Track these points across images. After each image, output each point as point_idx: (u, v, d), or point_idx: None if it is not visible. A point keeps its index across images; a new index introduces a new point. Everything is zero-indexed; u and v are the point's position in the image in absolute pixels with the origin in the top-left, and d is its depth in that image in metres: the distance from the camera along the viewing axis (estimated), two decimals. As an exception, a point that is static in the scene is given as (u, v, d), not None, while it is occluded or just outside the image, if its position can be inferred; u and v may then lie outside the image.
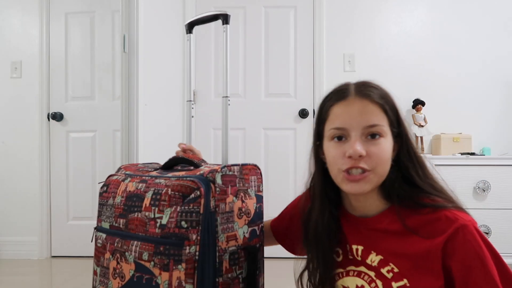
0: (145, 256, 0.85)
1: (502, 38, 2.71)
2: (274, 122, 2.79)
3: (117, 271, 0.91)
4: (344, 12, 2.77)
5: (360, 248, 0.82)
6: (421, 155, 0.82)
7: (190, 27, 1.30)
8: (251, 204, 0.92)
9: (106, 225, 0.97)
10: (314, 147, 0.86)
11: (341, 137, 0.78)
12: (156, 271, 0.83)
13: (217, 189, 0.84)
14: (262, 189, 0.96)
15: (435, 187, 0.79)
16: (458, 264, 0.71)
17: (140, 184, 0.91)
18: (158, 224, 0.84)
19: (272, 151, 2.78)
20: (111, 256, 0.93)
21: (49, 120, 2.74)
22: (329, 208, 0.84)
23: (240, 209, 0.89)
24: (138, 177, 0.95)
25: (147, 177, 0.93)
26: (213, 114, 2.83)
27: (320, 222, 0.84)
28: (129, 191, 0.92)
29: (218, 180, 0.85)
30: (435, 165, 2.43)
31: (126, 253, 0.88)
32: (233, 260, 0.86)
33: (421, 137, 2.59)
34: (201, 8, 2.84)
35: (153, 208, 0.85)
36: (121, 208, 0.92)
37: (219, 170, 0.85)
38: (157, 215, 0.84)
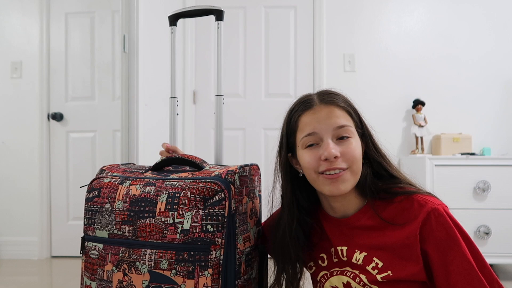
0: (164, 264, 0.79)
1: (502, 38, 2.71)
2: (274, 122, 2.78)
3: (124, 283, 0.84)
4: (344, 12, 2.77)
5: (345, 248, 0.84)
6: (383, 151, 0.88)
7: (174, 19, 1.19)
8: (257, 204, 0.91)
9: (103, 233, 0.88)
10: (282, 159, 0.89)
11: (312, 144, 0.81)
12: (179, 280, 0.78)
13: (237, 190, 0.82)
14: (261, 189, 0.96)
15: (403, 176, 0.85)
16: (434, 247, 0.75)
17: (148, 187, 0.85)
18: (179, 230, 0.79)
19: (272, 151, 2.78)
20: (114, 268, 0.85)
21: (49, 120, 2.74)
22: (298, 217, 0.86)
23: (251, 209, 0.88)
24: (139, 179, 0.88)
25: (153, 180, 0.87)
26: (213, 114, 2.82)
27: (288, 232, 0.86)
28: (134, 195, 0.85)
29: (237, 182, 0.83)
30: (435, 165, 2.42)
31: (137, 263, 0.82)
32: (248, 261, 0.85)
33: (421, 137, 2.59)
34: (201, 8, 2.84)
35: (171, 212, 0.80)
36: (125, 214, 0.85)
37: (237, 170, 0.83)
38: (177, 220, 0.80)
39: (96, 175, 0.98)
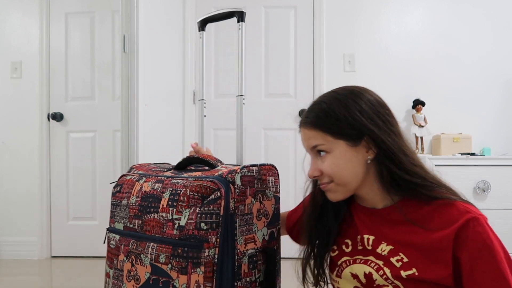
0: (162, 258, 0.82)
1: (502, 38, 2.71)
2: (274, 122, 2.79)
3: (132, 273, 0.89)
4: (344, 12, 2.77)
5: (372, 237, 0.84)
6: (401, 148, 0.81)
7: (203, 24, 1.23)
8: (269, 205, 0.89)
9: (119, 226, 0.94)
10: None
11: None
12: (173, 274, 0.80)
13: (237, 190, 0.82)
14: (279, 190, 0.93)
15: (419, 176, 0.80)
16: (467, 255, 0.72)
17: (157, 185, 0.88)
18: (176, 226, 0.81)
19: (272, 151, 2.78)
20: (125, 258, 0.91)
21: (49, 120, 2.74)
22: (320, 208, 0.91)
23: (258, 210, 0.86)
24: (153, 177, 0.92)
25: (163, 177, 0.90)
26: (213, 114, 2.82)
27: (313, 221, 0.91)
28: (145, 191, 0.89)
29: (238, 181, 0.82)
30: (435, 165, 2.41)
31: (142, 255, 0.86)
32: (252, 263, 0.84)
33: (421, 137, 2.59)
34: (201, 8, 2.84)
35: (171, 209, 0.83)
36: (136, 209, 0.90)
37: (238, 170, 0.83)
38: (175, 216, 0.82)
39: (127, 172, 1.05)
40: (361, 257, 0.84)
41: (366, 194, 0.85)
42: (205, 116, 1.26)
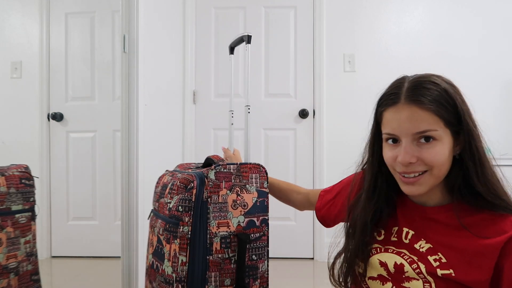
0: (160, 231, 1.08)
1: (501, 38, 2.71)
2: (274, 122, 2.79)
3: (151, 241, 1.17)
4: (344, 12, 2.77)
5: (411, 232, 0.82)
6: (486, 155, 0.80)
7: (230, 49, 1.69)
8: (249, 198, 1.07)
9: (152, 207, 1.23)
10: (371, 143, 0.87)
11: (395, 139, 0.78)
12: (164, 243, 1.06)
13: (210, 183, 1.03)
14: (267, 185, 1.11)
15: (493, 193, 0.77)
16: None
17: (170, 178, 1.12)
18: (167, 208, 1.06)
19: (272, 151, 2.78)
20: (150, 230, 1.20)
21: (49, 120, 2.74)
22: (376, 201, 0.86)
23: (234, 201, 1.05)
24: (173, 171, 1.17)
25: (175, 172, 1.15)
26: (213, 114, 2.83)
27: (361, 214, 0.86)
28: (164, 182, 1.15)
29: (212, 176, 1.04)
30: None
31: (155, 228, 1.13)
32: (224, 243, 1.03)
33: (421, 137, 2.59)
34: (201, 8, 2.84)
35: (168, 195, 1.07)
36: (157, 195, 1.17)
37: (212, 167, 1.05)
38: (168, 201, 1.07)
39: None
40: (393, 247, 0.83)
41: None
42: (232, 124, 1.63)
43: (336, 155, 2.72)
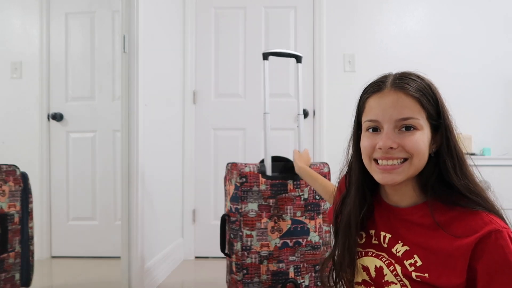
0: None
1: (501, 38, 2.71)
2: (274, 122, 2.77)
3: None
4: (344, 12, 2.77)
5: (388, 236, 0.82)
6: (463, 151, 0.80)
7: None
8: (231, 189, 1.49)
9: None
10: (354, 136, 0.88)
11: (376, 128, 0.78)
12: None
13: (227, 176, 1.59)
14: (240, 181, 1.47)
15: (471, 189, 0.77)
16: (485, 267, 0.70)
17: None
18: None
19: (272, 151, 2.78)
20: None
21: (49, 120, 2.74)
22: (364, 195, 0.85)
23: (226, 190, 1.48)
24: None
25: None
26: (213, 114, 2.82)
27: (353, 209, 0.85)
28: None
29: (226, 171, 1.63)
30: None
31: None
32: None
33: (421, 137, 2.59)
34: (201, 8, 2.84)
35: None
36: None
37: (227, 166, 1.58)
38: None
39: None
40: (373, 250, 0.83)
41: (398, 188, 0.81)
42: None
43: (336, 155, 2.71)
